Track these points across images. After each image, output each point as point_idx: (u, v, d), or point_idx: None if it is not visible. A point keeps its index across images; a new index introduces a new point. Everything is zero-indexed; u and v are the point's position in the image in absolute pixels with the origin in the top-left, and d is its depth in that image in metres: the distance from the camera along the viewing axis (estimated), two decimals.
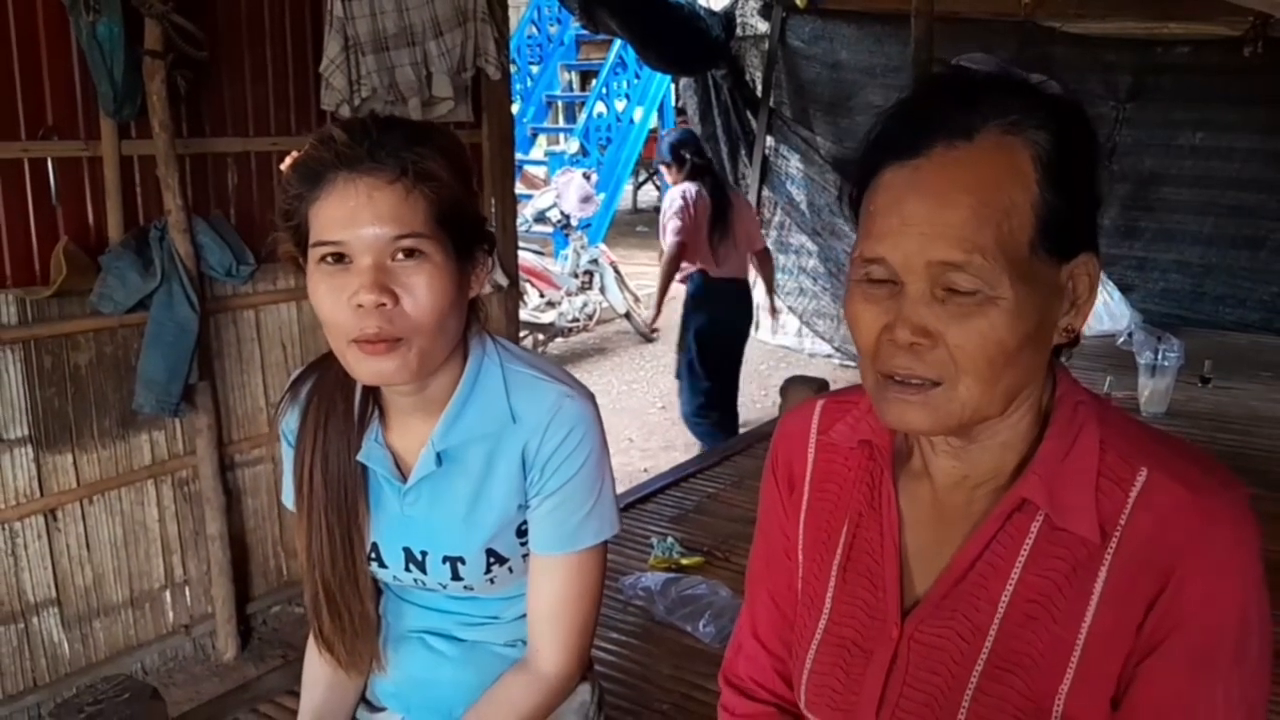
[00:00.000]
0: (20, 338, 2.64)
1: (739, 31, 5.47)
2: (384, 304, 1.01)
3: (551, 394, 1.15)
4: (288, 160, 1.08)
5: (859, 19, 5.40)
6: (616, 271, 7.41)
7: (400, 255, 1.03)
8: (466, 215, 1.10)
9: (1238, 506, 0.77)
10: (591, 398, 1.19)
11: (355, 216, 1.02)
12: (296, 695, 1.47)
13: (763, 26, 5.51)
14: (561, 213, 7.41)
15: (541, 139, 10.55)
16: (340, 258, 1.03)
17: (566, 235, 7.45)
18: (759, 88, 5.47)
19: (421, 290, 1.03)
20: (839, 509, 0.94)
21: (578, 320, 7.32)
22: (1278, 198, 4.74)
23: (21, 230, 2.67)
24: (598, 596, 1.23)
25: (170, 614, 3.09)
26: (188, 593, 3.13)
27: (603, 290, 7.37)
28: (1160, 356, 3.59)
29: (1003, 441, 0.83)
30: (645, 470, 4.85)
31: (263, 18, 3.17)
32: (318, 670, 1.32)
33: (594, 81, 9.81)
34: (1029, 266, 0.75)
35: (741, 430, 4.73)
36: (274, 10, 3.19)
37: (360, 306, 1.02)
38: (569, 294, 7.20)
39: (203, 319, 2.89)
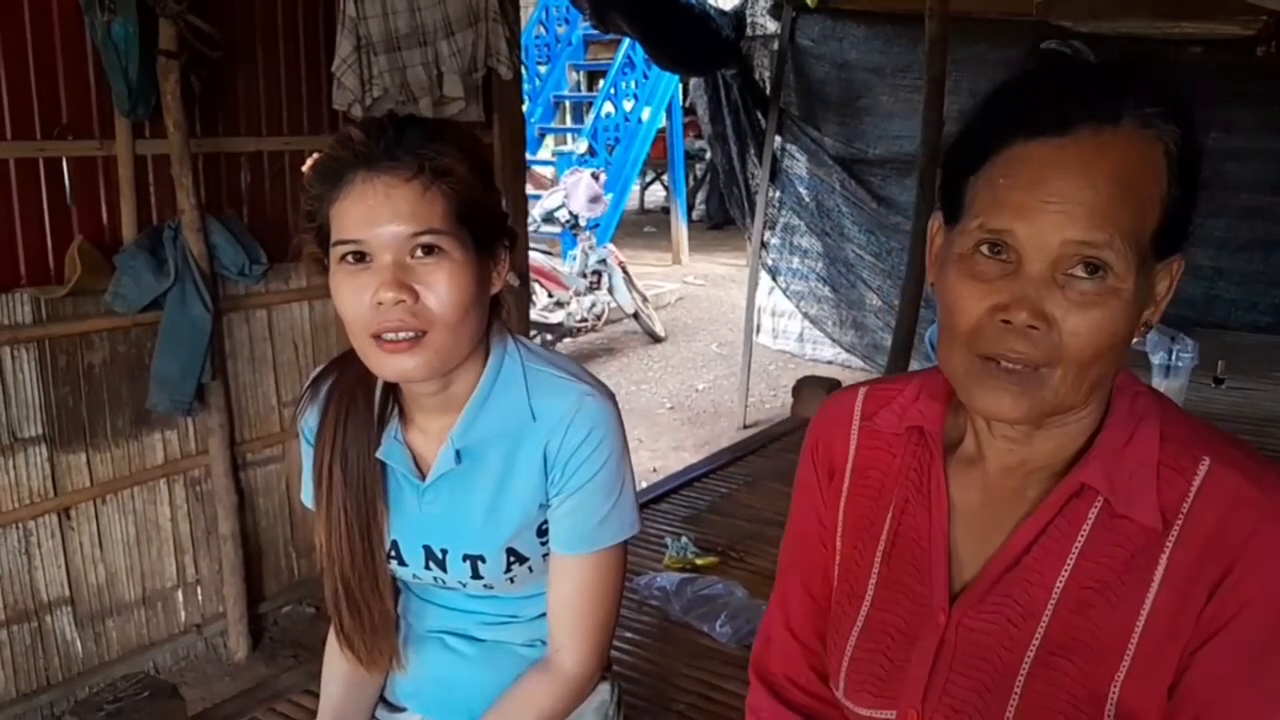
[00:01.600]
0: (35, 336, 2.65)
1: (749, 31, 5.47)
2: (404, 300, 1.02)
3: (573, 393, 1.14)
4: (309, 162, 1.08)
5: (868, 19, 5.38)
6: (625, 272, 7.41)
7: (419, 252, 1.03)
8: (485, 211, 1.10)
9: None
10: (612, 397, 1.19)
11: (374, 215, 1.02)
12: (313, 694, 1.47)
13: (772, 26, 5.49)
14: (570, 213, 7.40)
15: (549, 139, 10.55)
16: (361, 256, 1.04)
17: (575, 235, 7.45)
18: (768, 87, 5.46)
19: (442, 286, 1.03)
20: (882, 496, 0.94)
21: (586, 320, 7.31)
22: None
23: (36, 229, 2.68)
24: (618, 596, 1.23)
25: (182, 613, 3.10)
26: (199, 592, 3.13)
27: (611, 290, 7.36)
28: (1174, 357, 3.57)
29: (1066, 430, 0.83)
30: (655, 470, 4.84)
31: (275, 18, 3.17)
32: (337, 669, 1.32)
33: (601, 81, 9.81)
34: (1147, 260, 0.76)
35: (753, 432, 4.72)
36: (286, 10, 3.20)
37: (380, 304, 1.02)
38: (577, 294, 7.19)
39: (215, 318, 2.90)
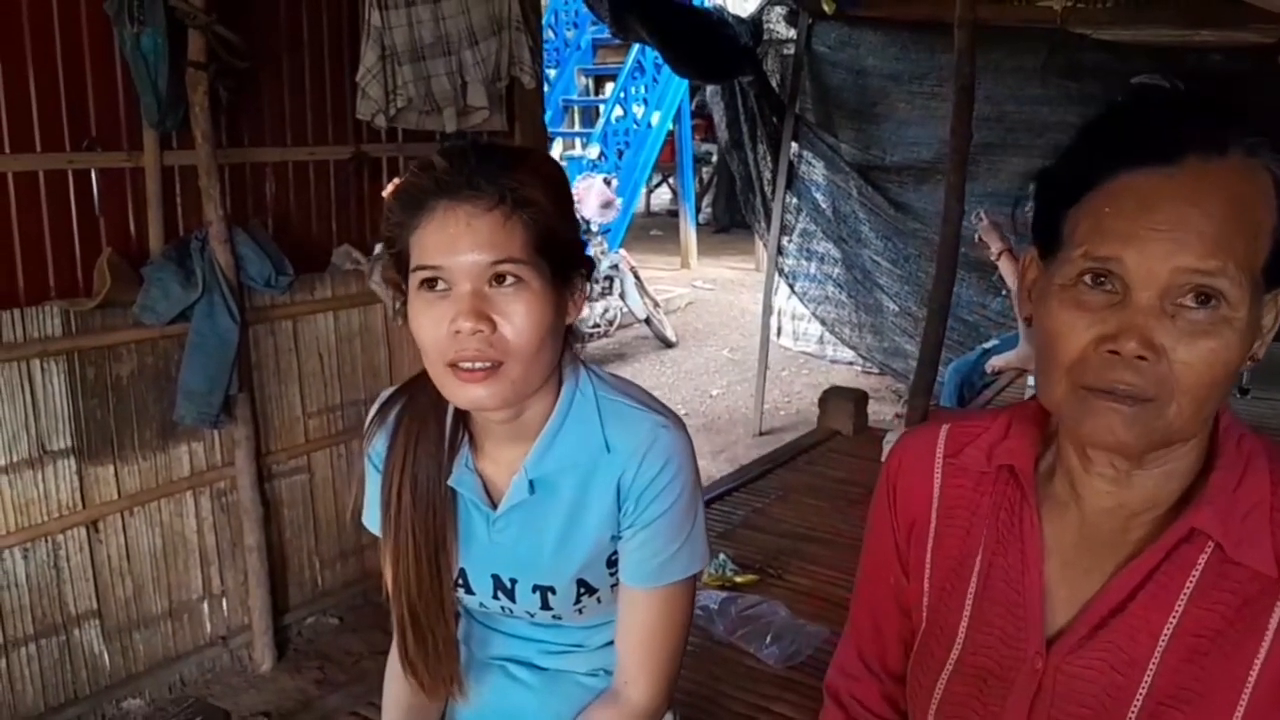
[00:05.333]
0: (64, 349, 2.63)
1: (765, 38, 5.46)
2: (481, 330, 1.01)
3: (646, 424, 1.13)
4: (389, 187, 1.08)
5: (885, 26, 5.37)
6: (636, 277, 7.41)
7: (498, 281, 1.02)
8: (564, 241, 1.09)
9: None
10: (684, 427, 1.18)
11: (454, 243, 1.01)
12: (359, 715, 1.46)
13: (789, 33, 5.49)
14: (582, 218, 7.40)
15: (558, 143, 10.55)
16: (440, 283, 1.03)
17: (587, 240, 7.44)
18: (785, 94, 5.45)
19: (519, 317, 1.02)
20: (971, 536, 0.92)
21: (598, 326, 7.31)
22: None
23: (65, 241, 2.67)
24: (687, 628, 1.22)
25: (208, 625, 3.08)
26: (225, 604, 3.12)
27: (623, 296, 7.36)
28: None
29: (1168, 470, 0.81)
30: None
31: (301, 28, 3.16)
32: (397, 695, 1.31)
33: (609, 85, 9.81)
34: (1257, 290, 0.74)
35: (769, 439, 4.71)
36: (312, 21, 3.19)
37: (458, 333, 1.01)
38: (589, 300, 7.18)
39: (242, 330, 2.88)
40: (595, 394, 1.16)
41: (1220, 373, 0.74)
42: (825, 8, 5.15)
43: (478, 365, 1.03)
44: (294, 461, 3.24)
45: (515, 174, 1.03)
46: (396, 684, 1.31)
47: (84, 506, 2.73)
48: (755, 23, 5.33)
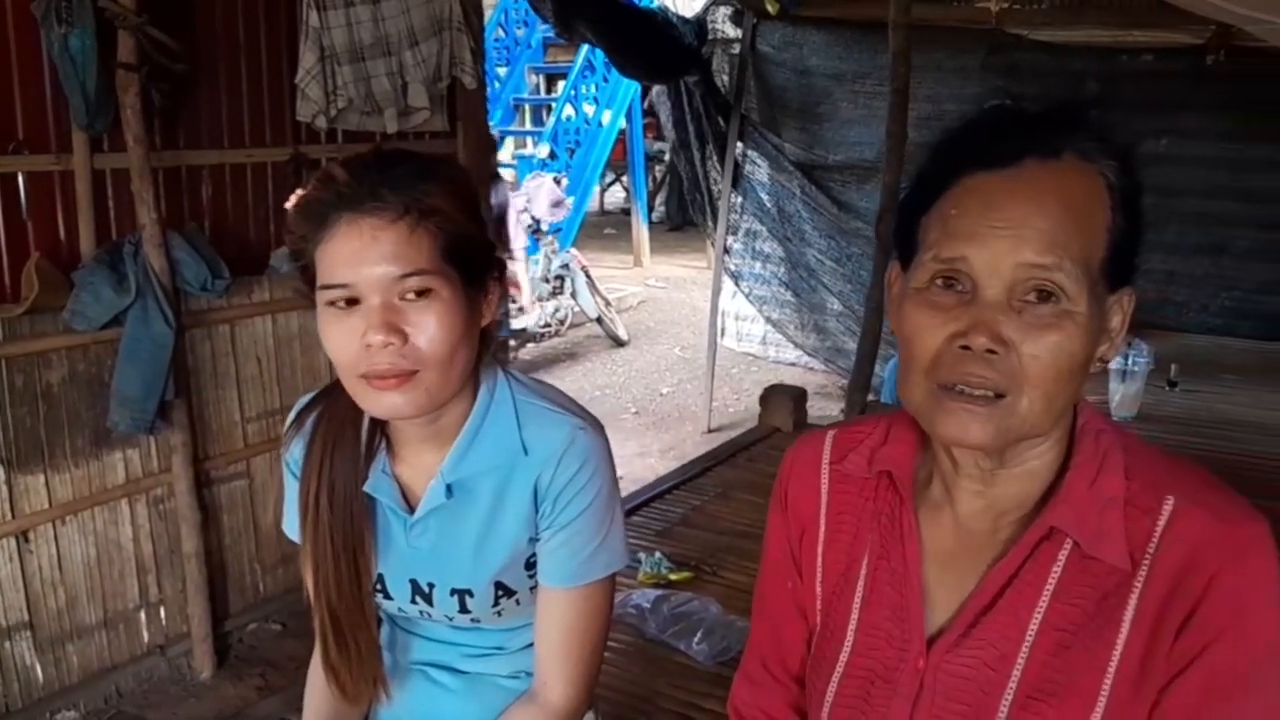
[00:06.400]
0: None
1: (710, 37, 5.49)
2: (393, 343, 1.01)
3: (565, 426, 1.14)
4: (292, 199, 1.06)
5: (829, 26, 5.43)
6: (587, 276, 7.41)
7: (409, 294, 1.02)
8: (474, 246, 1.09)
9: (1264, 538, 0.78)
10: (602, 429, 1.19)
11: (361, 257, 1.01)
12: None
13: (734, 33, 5.53)
14: (532, 217, 7.38)
15: (509, 142, 10.51)
16: (350, 300, 1.02)
17: (537, 240, 7.43)
18: (730, 94, 5.49)
19: (431, 327, 1.02)
20: (857, 541, 0.94)
21: (549, 325, 7.31)
22: (1239, 205, 4.83)
23: None
24: (605, 628, 1.23)
25: (145, 634, 3.03)
26: (163, 612, 3.07)
27: (574, 295, 7.36)
28: (1130, 361, 3.65)
29: (1030, 470, 0.84)
30: (621, 476, 4.83)
31: (237, 29, 3.12)
32: (319, 705, 1.31)
33: (560, 84, 9.80)
34: (1097, 287, 0.78)
35: (718, 436, 4.74)
36: (249, 21, 3.15)
37: (370, 346, 1.01)
38: (540, 299, 7.18)
39: (178, 334, 2.84)
40: (512, 396, 1.17)
41: (1066, 366, 0.77)
42: (769, 8, 5.19)
43: (391, 376, 1.03)
44: (233, 467, 3.20)
45: (420, 184, 1.02)
46: (316, 694, 1.30)
47: (13, 516, 2.67)
48: (700, 23, 5.36)
